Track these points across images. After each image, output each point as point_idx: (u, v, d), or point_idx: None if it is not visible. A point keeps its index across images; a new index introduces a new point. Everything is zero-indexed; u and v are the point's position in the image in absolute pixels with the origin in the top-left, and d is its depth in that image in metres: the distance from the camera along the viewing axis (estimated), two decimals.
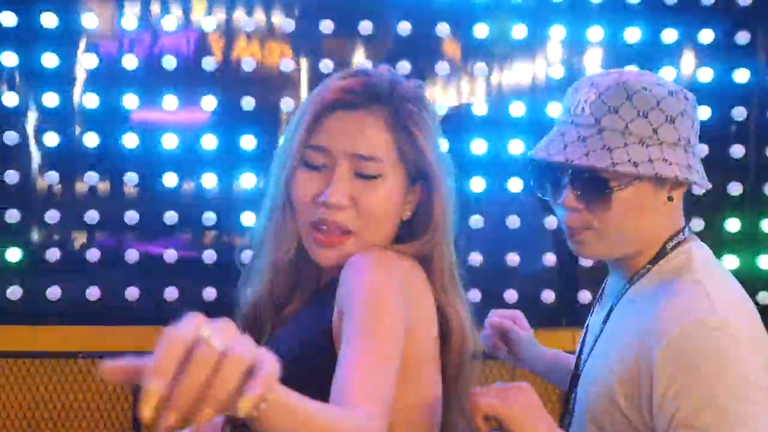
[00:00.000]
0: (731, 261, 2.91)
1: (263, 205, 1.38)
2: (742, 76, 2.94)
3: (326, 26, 2.87)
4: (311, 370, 1.21)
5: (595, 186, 1.37)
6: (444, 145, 1.42)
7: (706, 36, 2.93)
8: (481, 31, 2.91)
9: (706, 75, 2.93)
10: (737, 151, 2.95)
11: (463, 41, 2.94)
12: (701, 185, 1.41)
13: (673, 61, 2.94)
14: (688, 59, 2.96)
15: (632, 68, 1.43)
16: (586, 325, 1.59)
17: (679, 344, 1.28)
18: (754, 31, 2.94)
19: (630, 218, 1.39)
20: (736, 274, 1.47)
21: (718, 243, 2.85)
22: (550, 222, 2.85)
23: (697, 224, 2.87)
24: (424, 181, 1.34)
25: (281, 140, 1.38)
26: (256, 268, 1.40)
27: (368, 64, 2.78)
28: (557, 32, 2.92)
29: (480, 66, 2.91)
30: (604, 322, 1.48)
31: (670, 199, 1.41)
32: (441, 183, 1.33)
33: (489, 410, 1.28)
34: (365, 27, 2.87)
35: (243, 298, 1.42)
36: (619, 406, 1.36)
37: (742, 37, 2.93)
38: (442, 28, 2.89)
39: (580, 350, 1.56)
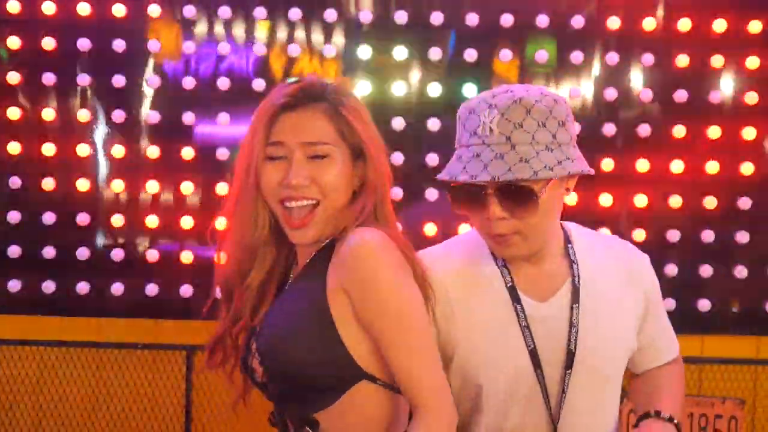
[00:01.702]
0: None
1: (229, 197, 1.62)
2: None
3: (363, 51, 3.16)
4: (308, 337, 1.49)
5: (521, 196, 1.52)
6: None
7: None
8: None
9: None
10: None
11: None
12: (588, 172, 1.58)
13: None
14: None
15: (513, 84, 1.60)
16: (519, 312, 1.63)
17: (650, 273, 1.74)
18: None
19: (549, 216, 1.58)
20: None
21: None
22: None
23: None
24: (364, 157, 1.59)
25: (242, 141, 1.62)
26: (225, 253, 1.63)
27: None
28: None
29: None
30: (575, 302, 1.62)
31: (568, 189, 1.60)
32: (374, 155, 1.59)
33: None
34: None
35: (218, 282, 1.66)
36: (630, 339, 1.69)
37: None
38: None
39: (530, 335, 1.62)
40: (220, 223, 1.65)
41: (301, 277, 1.60)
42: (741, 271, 3.16)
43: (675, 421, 1.67)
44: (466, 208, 1.60)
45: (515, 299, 1.63)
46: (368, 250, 1.48)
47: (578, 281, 1.64)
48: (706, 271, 3.15)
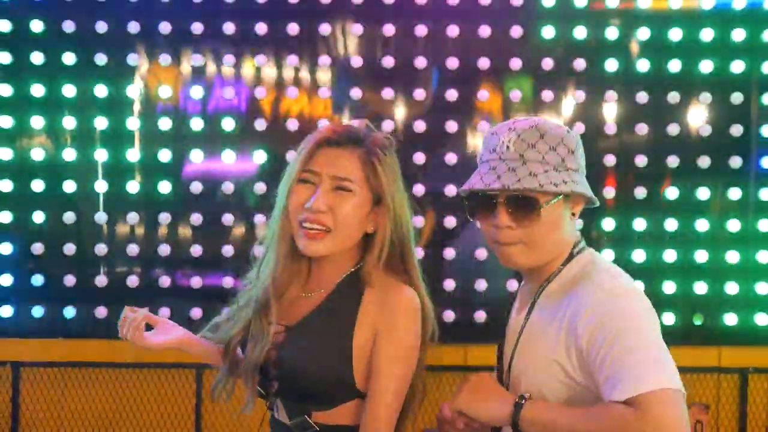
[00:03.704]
0: None
1: (273, 214, 1.87)
2: None
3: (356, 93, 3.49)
4: (327, 367, 1.79)
5: (526, 204, 1.70)
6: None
7: None
8: None
9: None
10: None
11: None
12: (593, 201, 1.77)
13: None
14: None
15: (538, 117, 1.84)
16: (506, 328, 1.87)
17: (595, 311, 1.62)
18: None
19: (550, 231, 1.72)
20: None
21: None
22: None
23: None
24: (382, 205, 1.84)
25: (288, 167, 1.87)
26: (265, 263, 1.89)
27: None
28: None
29: None
30: (528, 316, 1.79)
31: (573, 215, 1.76)
32: (391, 205, 1.83)
33: (455, 410, 1.73)
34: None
35: (256, 288, 1.90)
36: (565, 371, 1.67)
37: None
38: None
39: (501, 347, 1.85)
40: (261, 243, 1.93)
41: (327, 308, 1.85)
42: (701, 287, 3.48)
43: (524, 401, 1.67)
44: (478, 216, 1.78)
45: (508, 312, 1.91)
46: (407, 313, 1.81)
47: (538, 297, 1.80)
48: (669, 287, 3.47)
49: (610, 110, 3.50)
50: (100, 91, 3.44)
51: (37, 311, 3.45)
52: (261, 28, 3.45)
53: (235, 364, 1.92)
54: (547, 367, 1.70)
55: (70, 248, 3.44)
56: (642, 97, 3.47)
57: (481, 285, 3.46)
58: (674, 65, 3.46)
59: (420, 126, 3.47)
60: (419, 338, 1.83)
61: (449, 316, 3.43)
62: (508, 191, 1.70)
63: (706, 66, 3.46)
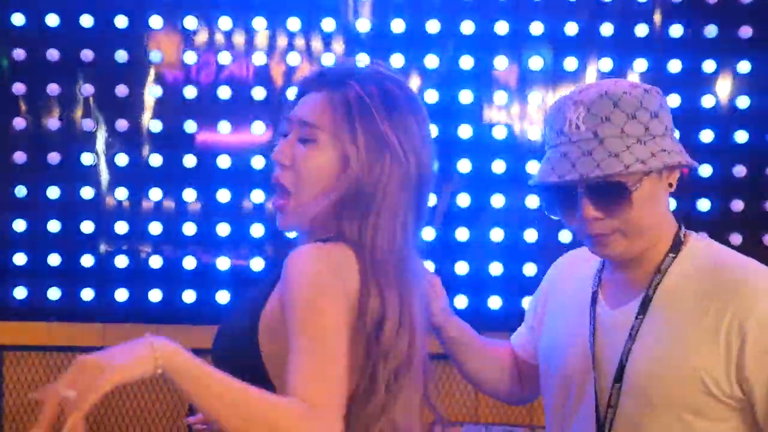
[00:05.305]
0: None
1: None
2: None
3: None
4: (240, 349, 1.42)
5: (613, 192, 1.45)
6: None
7: None
8: None
9: None
10: None
11: None
12: (691, 165, 1.50)
13: None
14: None
15: (602, 80, 1.56)
16: (591, 317, 1.60)
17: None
18: None
19: (648, 211, 1.48)
20: None
21: None
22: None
23: None
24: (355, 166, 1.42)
25: None
26: None
27: None
28: None
29: None
30: (642, 313, 1.52)
31: (670, 185, 1.51)
32: (359, 162, 1.41)
33: None
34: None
35: None
36: (706, 384, 1.44)
37: None
38: None
39: (593, 341, 1.57)
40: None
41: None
42: None
43: None
44: (559, 211, 1.55)
45: (593, 303, 1.62)
46: (295, 259, 1.36)
47: (652, 291, 1.53)
48: None
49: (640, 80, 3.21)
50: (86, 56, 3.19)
51: (20, 292, 3.22)
52: None
53: None
54: (689, 377, 1.46)
55: (54, 225, 3.20)
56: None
57: (497, 269, 3.21)
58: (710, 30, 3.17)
59: (432, 96, 3.19)
60: (325, 279, 1.32)
61: (461, 302, 3.19)
62: (588, 180, 1.45)
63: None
